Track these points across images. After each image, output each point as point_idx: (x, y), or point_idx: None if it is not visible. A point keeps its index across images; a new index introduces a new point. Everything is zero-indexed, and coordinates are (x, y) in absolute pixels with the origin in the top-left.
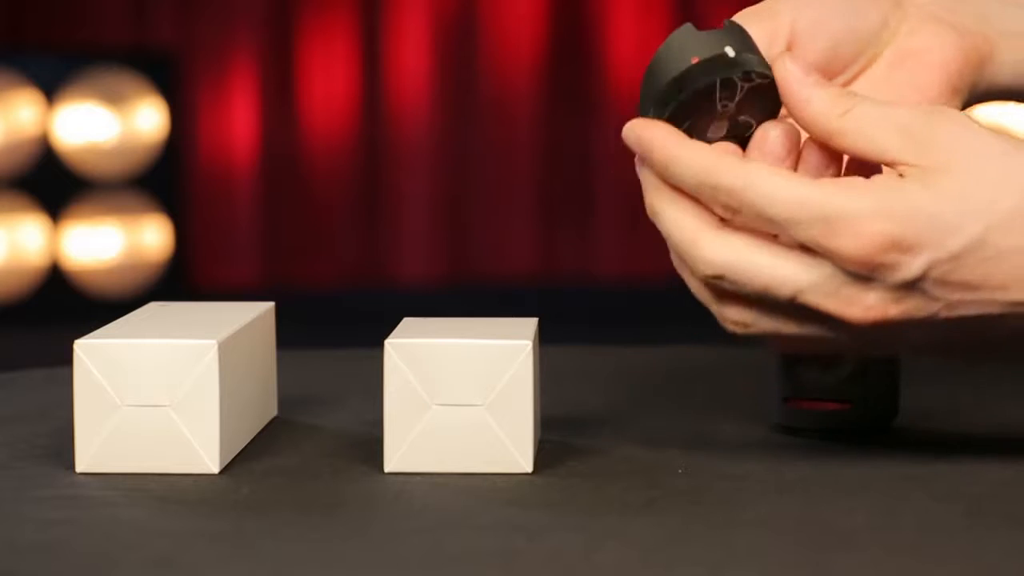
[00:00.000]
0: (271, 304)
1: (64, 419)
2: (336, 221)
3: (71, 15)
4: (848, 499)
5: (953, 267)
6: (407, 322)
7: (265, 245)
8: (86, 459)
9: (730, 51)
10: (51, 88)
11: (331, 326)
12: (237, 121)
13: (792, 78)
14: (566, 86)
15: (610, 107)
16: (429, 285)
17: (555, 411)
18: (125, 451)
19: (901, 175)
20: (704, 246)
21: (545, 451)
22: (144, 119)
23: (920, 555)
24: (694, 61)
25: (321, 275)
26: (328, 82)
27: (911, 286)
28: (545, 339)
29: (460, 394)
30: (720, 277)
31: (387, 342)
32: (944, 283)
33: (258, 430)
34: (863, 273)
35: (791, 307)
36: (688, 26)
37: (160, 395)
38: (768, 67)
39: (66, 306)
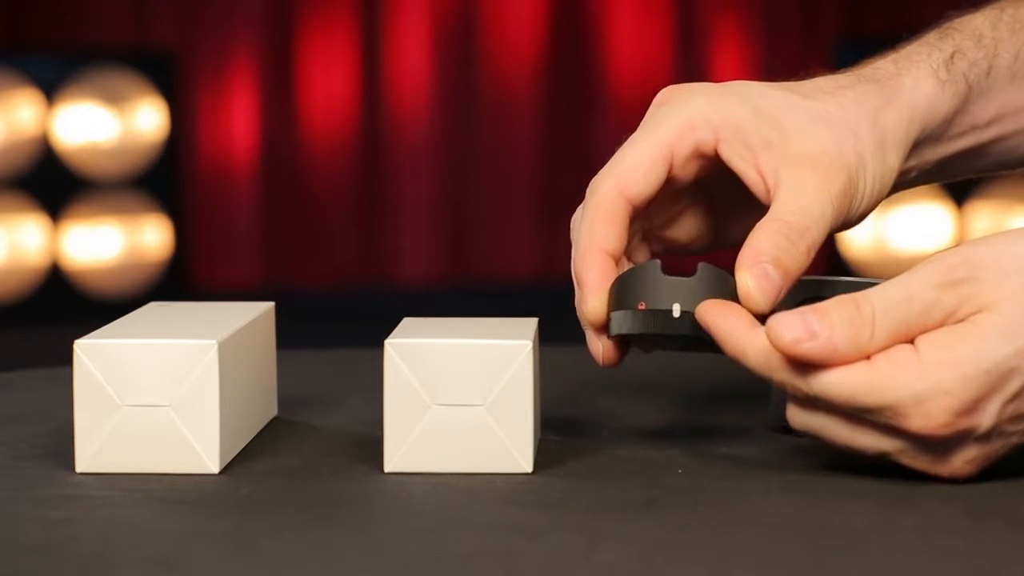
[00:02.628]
0: (271, 304)
1: (64, 419)
2: (336, 221)
3: (71, 15)
4: (848, 499)
5: (1020, 403)
6: (407, 322)
7: (265, 245)
8: (86, 459)
9: (676, 310)
10: (51, 88)
11: (331, 326)
12: (237, 121)
13: (785, 343)
14: (566, 86)
15: (610, 107)
16: (429, 285)
17: (555, 411)
18: (125, 451)
19: (948, 325)
20: (789, 410)
21: (545, 451)
22: (144, 119)
23: (920, 555)
24: (640, 307)
25: (321, 275)
26: (328, 82)
27: (988, 435)
28: (545, 339)
29: (460, 394)
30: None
31: (387, 342)
32: (1016, 418)
33: (258, 430)
34: (943, 443)
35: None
36: (655, 263)
37: (160, 395)
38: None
39: (66, 306)
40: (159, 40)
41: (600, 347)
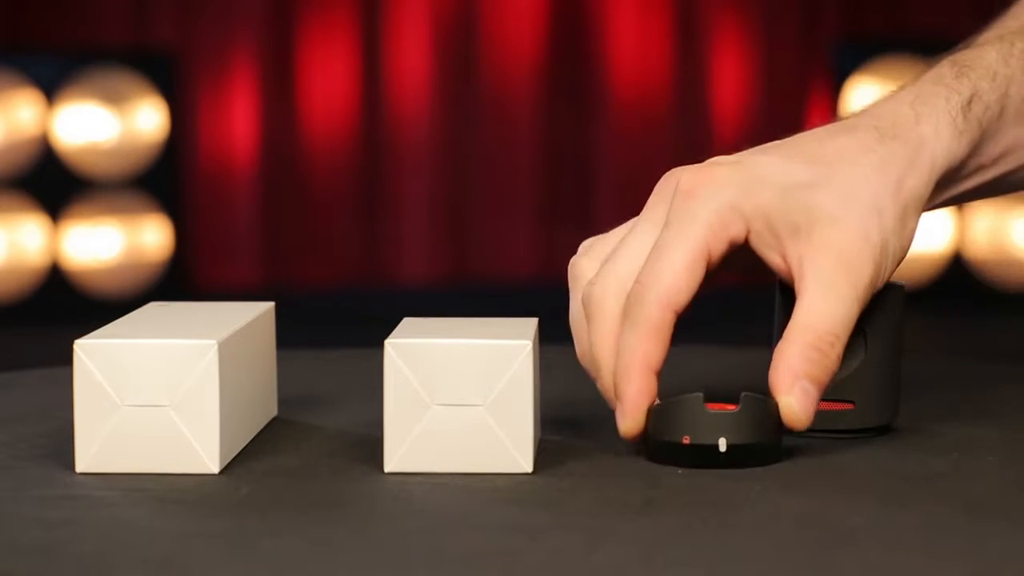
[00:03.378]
0: (271, 304)
1: (64, 419)
2: (336, 221)
3: (71, 15)
4: (848, 499)
5: None
6: (407, 322)
7: (265, 245)
8: (86, 459)
9: (722, 444)
10: (51, 88)
11: (331, 326)
12: (237, 121)
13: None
14: (566, 86)
15: (610, 107)
16: (429, 285)
17: (555, 411)
18: (125, 451)
19: None
20: None
21: (545, 451)
22: (144, 119)
23: (920, 555)
24: (685, 441)
25: (321, 275)
26: (328, 82)
27: None
28: (545, 339)
29: (460, 394)
30: None
31: (387, 342)
32: None
33: (258, 430)
34: None
35: None
36: (698, 396)
37: (160, 395)
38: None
39: (66, 306)
40: (159, 40)
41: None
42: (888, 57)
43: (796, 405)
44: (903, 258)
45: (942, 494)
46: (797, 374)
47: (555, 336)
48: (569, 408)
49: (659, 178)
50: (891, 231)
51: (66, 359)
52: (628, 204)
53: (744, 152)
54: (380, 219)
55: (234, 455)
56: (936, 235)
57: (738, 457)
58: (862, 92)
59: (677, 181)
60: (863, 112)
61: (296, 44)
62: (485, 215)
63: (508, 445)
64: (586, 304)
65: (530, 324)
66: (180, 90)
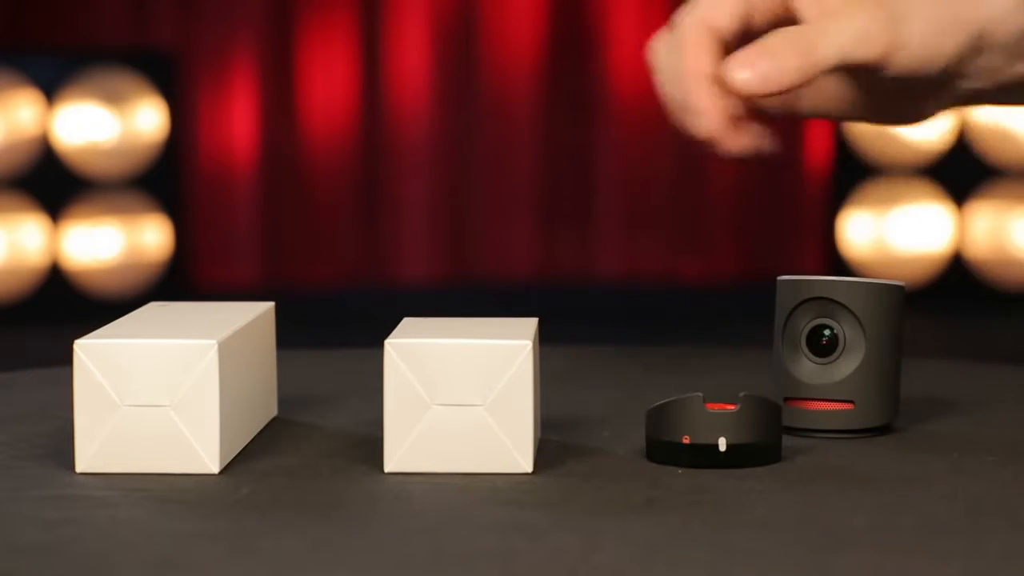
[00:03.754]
0: (271, 304)
1: (64, 419)
2: (336, 221)
3: (71, 15)
4: (848, 499)
5: None
6: (407, 322)
7: (265, 245)
8: (86, 459)
9: (722, 444)
10: (51, 88)
11: (331, 326)
12: (237, 121)
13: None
14: (566, 86)
15: (610, 107)
16: (429, 285)
17: (555, 411)
18: (125, 451)
19: None
20: None
21: (545, 451)
22: (144, 119)
23: (920, 555)
24: (685, 440)
25: (321, 275)
26: (328, 82)
27: None
28: (545, 339)
29: (460, 394)
30: None
31: (387, 342)
32: None
33: (258, 430)
34: None
35: None
36: (698, 396)
37: (160, 395)
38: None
39: (66, 306)
40: (159, 40)
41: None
42: None
43: (748, 76)
44: (933, 63)
45: (942, 494)
46: (767, 52)
47: (555, 336)
48: (569, 408)
49: (658, 178)
50: (918, 10)
51: (66, 359)
52: (628, 204)
53: None
54: (380, 219)
55: (234, 455)
56: (936, 235)
57: (738, 457)
58: None
59: None
60: None
61: (296, 44)
62: (485, 215)
63: (508, 445)
64: (651, 56)
65: (530, 324)
66: (180, 90)
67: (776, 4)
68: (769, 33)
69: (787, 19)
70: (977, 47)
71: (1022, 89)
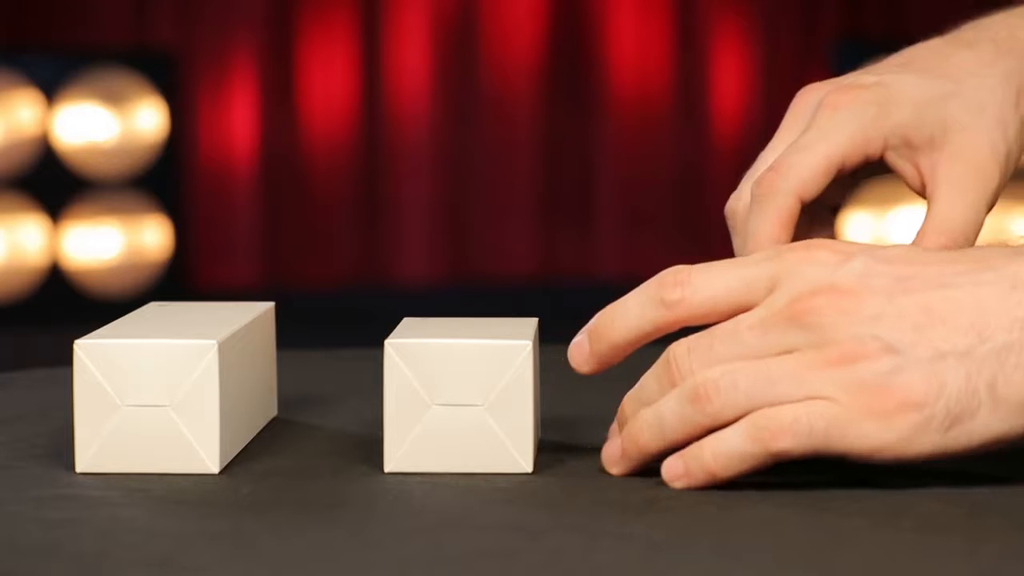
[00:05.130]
0: (271, 304)
1: (64, 419)
2: (336, 221)
3: (71, 15)
4: (848, 499)
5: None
6: (407, 322)
7: (265, 245)
8: (86, 459)
9: None
10: (51, 88)
11: (331, 326)
12: (237, 121)
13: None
14: (566, 86)
15: (610, 107)
16: (429, 285)
17: (555, 411)
18: (125, 451)
19: None
20: None
21: (545, 451)
22: (144, 119)
23: (920, 555)
24: None
25: (321, 275)
26: (328, 82)
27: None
28: (545, 339)
29: (460, 394)
30: None
31: (387, 342)
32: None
33: (258, 430)
34: None
35: None
36: None
37: (160, 395)
38: None
39: (66, 306)
40: (159, 40)
41: None
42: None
43: None
44: (1016, 166)
45: (942, 494)
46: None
47: (555, 336)
48: (569, 408)
49: (658, 178)
50: (1014, 139)
51: (66, 359)
52: (628, 204)
53: (881, 69)
54: (380, 219)
55: (234, 455)
56: None
57: None
58: None
59: (820, 97)
60: (976, 27)
61: (296, 44)
62: (485, 215)
63: (508, 445)
64: (728, 216)
65: (530, 324)
66: (180, 90)
67: (871, 156)
68: (932, 208)
69: (873, 160)
70: None
71: None
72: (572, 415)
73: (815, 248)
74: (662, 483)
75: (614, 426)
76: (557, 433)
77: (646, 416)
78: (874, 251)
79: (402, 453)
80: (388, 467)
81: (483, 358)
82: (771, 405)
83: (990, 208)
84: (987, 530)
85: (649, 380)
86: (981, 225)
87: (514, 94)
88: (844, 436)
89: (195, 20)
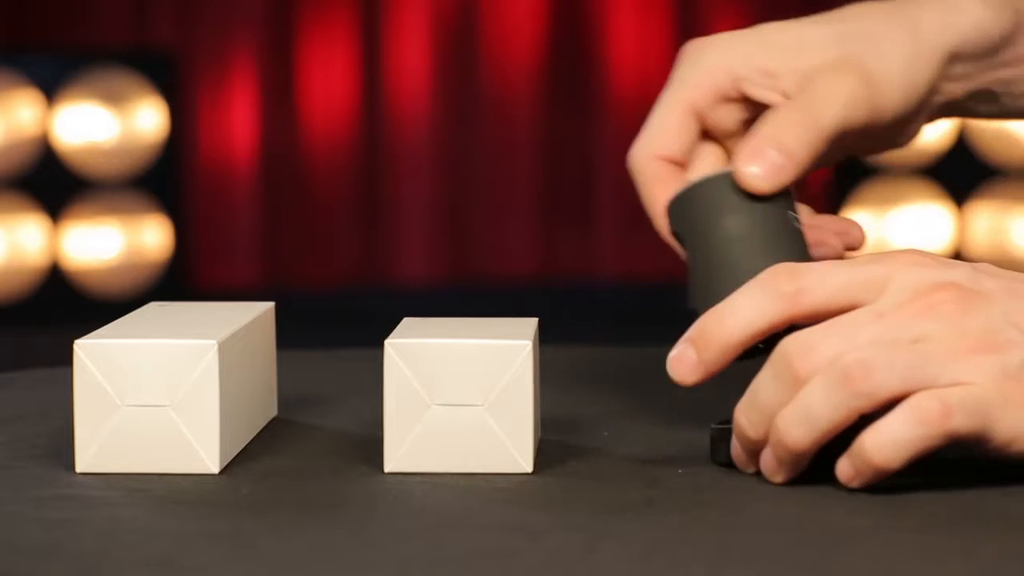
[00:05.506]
0: (271, 304)
1: (64, 419)
2: (336, 221)
3: (71, 15)
4: (848, 499)
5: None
6: (407, 322)
7: (265, 245)
8: (86, 459)
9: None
10: (51, 88)
11: (331, 326)
12: (237, 121)
13: None
14: (566, 86)
15: (610, 107)
16: (429, 285)
17: (555, 411)
18: (125, 451)
19: None
20: None
21: (545, 451)
22: (144, 119)
23: (920, 555)
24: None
25: (321, 275)
26: (328, 82)
27: None
28: (545, 339)
29: (460, 394)
30: None
31: (387, 342)
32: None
33: (258, 430)
34: None
35: None
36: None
37: (160, 395)
38: None
39: (66, 306)
40: (159, 40)
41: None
42: None
43: (759, 171)
44: (919, 96)
45: (942, 494)
46: (763, 140)
47: (555, 336)
48: (569, 408)
49: None
50: (894, 55)
51: (66, 359)
52: (628, 204)
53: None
54: (380, 219)
55: (234, 455)
56: (936, 235)
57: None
58: None
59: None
60: None
61: (296, 44)
62: (485, 215)
63: (508, 445)
64: None
65: (530, 324)
66: (180, 90)
67: (725, 93)
68: (762, 117)
69: (739, 100)
70: (949, 66)
71: (991, 97)
72: (572, 415)
73: (916, 254)
74: (662, 483)
75: (734, 441)
76: (557, 433)
77: (790, 414)
78: (963, 263)
79: (402, 453)
80: (388, 467)
81: (483, 358)
82: (925, 387)
83: (859, 104)
84: (987, 530)
85: (764, 384)
86: (844, 110)
87: (514, 94)
88: (996, 421)
89: (195, 20)
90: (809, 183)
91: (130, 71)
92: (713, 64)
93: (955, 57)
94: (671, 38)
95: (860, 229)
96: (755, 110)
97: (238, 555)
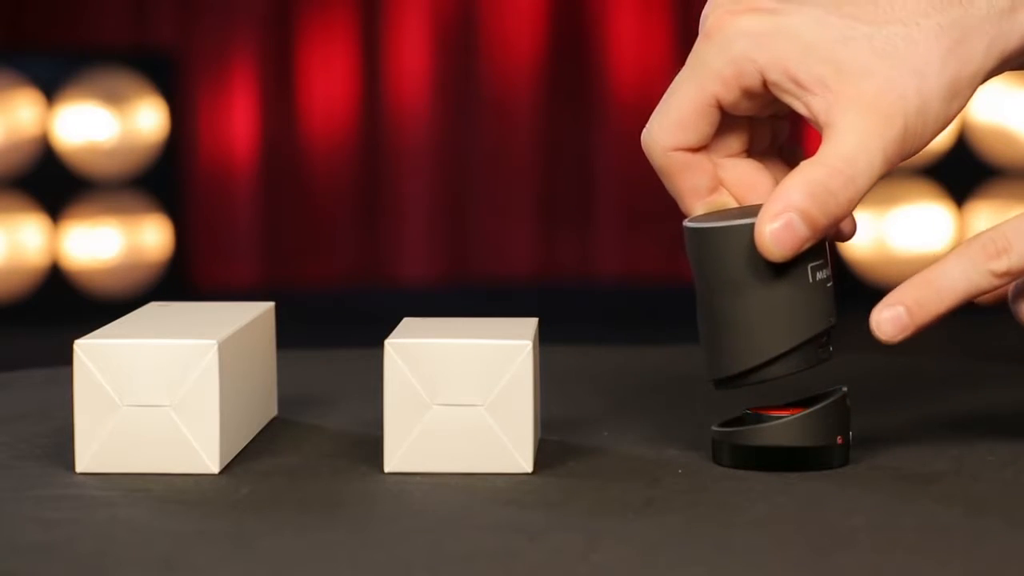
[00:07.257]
0: (271, 304)
1: (64, 419)
2: (336, 221)
3: (71, 15)
4: (848, 499)
5: None
6: (407, 322)
7: (265, 245)
8: (86, 459)
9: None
10: (51, 88)
11: (331, 326)
12: (237, 121)
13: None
14: (566, 86)
15: (610, 107)
16: (429, 285)
17: (555, 411)
18: (125, 451)
19: None
20: None
21: (545, 451)
22: (144, 119)
23: (920, 555)
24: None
25: (321, 275)
26: (328, 82)
27: None
28: (545, 339)
29: (460, 394)
30: None
31: (387, 342)
32: None
33: (258, 430)
34: None
35: None
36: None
37: (160, 395)
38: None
39: (66, 306)
40: (159, 40)
41: None
42: None
43: (771, 236)
44: (943, 128)
45: (942, 494)
46: (789, 205)
47: (555, 336)
48: (569, 408)
49: (658, 178)
50: (934, 96)
51: (66, 359)
52: (628, 204)
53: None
54: (380, 219)
55: (234, 455)
56: (936, 235)
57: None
58: None
59: (705, 18)
60: None
61: (296, 44)
62: (485, 215)
63: (508, 445)
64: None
65: (530, 324)
66: (180, 90)
67: (751, 89)
68: (794, 174)
69: (764, 95)
70: (994, 69)
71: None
72: (572, 415)
73: None
74: (662, 483)
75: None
76: (557, 433)
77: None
78: None
79: (402, 453)
80: (388, 467)
81: (483, 358)
82: None
83: (892, 159)
84: (987, 530)
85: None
86: (876, 173)
87: (514, 94)
88: None
89: (195, 20)
90: None
91: (130, 71)
92: (743, 56)
93: (1003, 63)
94: (671, 38)
95: (851, 220)
96: (781, 106)
97: (238, 555)
